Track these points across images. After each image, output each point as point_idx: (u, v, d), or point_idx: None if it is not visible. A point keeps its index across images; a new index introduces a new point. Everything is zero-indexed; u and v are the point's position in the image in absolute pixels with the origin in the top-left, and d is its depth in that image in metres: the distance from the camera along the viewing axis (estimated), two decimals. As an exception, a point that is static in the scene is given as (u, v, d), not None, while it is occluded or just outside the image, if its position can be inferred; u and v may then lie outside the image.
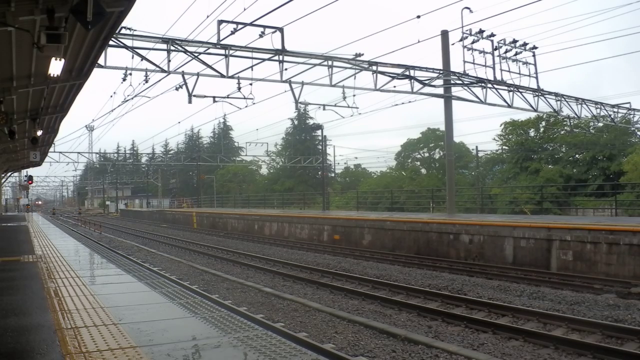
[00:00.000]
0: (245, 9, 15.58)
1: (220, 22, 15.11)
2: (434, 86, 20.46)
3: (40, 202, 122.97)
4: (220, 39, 15.30)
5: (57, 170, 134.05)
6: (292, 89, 18.36)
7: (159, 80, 16.73)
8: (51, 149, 30.18)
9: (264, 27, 15.70)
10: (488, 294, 10.42)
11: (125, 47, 14.61)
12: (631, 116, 29.81)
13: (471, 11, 19.98)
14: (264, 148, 45.52)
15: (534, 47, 22.21)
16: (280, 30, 16.10)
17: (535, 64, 22.47)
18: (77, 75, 10.09)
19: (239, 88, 17.47)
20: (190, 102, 16.84)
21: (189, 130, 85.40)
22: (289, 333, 7.33)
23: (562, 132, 37.17)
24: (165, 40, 15.18)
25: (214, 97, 18.58)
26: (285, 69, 17.18)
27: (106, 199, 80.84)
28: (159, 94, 37.04)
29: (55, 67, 7.67)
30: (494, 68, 20.93)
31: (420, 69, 19.80)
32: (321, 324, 8.34)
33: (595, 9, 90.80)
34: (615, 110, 27.40)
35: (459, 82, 20.97)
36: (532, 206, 28.14)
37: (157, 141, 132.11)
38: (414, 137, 48.50)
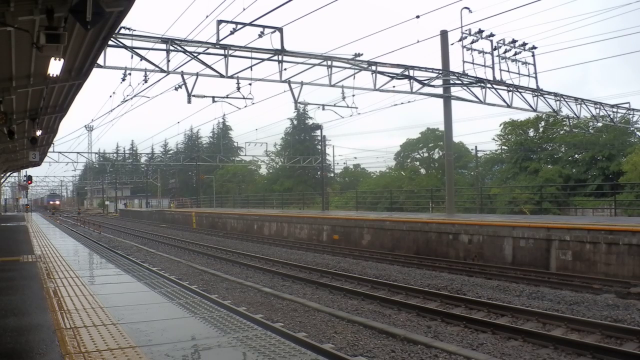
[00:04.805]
0: (244, 9, 15.58)
1: (220, 22, 15.10)
2: (433, 86, 20.46)
3: (57, 202, 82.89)
4: (220, 39, 15.29)
5: (56, 170, 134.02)
6: (291, 89, 18.35)
7: (158, 80, 16.74)
8: (50, 149, 30.11)
9: (263, 27, 15.69)
10: (487, 294, 10.43)
11: (125, 47, 14.60)
12: (630, 116, 29.83)
13: (470, 11, 20.00)
14: (264, 148, 45.53)
15: (533, 47, 22.22)
16: (280, 30, 16.10)
17: (534, 64, 22.49)
18: (76, 75, 10.08)
19: (239, 88, 17.46)
20: (189, 102, 16.84)
21: (188, 130, 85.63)
22: (288, 333, 7.32)
23: (562, 132, 37.19)
24: (165, 40, 15.16)
25: (213, 97, 18.57)
26: (285, 69, 17.19)
27: (105, 199, 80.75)
28: (158, 94, 37.00)
29: (55, 67, 7.66)
30: (493, 68, 20.93)
31: (420, 69, 19.80)
32: (320, 324, 8.34)
33: (591, 10, 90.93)
34: (615, 110, 27.40)
35: (458, 82, 20.97)
36: (532, 206, 28.15)
37: (156, 141, 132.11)
38: (413, 137, 48.57)
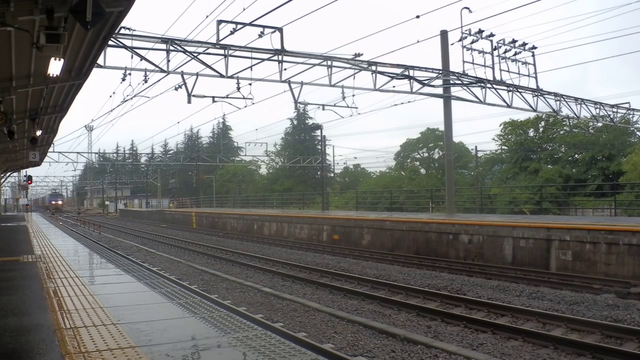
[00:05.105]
0: (244, 9, 15.58)
1: (220, 22, 15.10)
2: (433, 86, 20.46)
3: (60, 202, 77.37)
4: (220, 39, 15.29)
5: (56, 170, 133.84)
6: (291, 89, 18.35)
7: (158, 80, 16.74)
8: (50, 149, 30.11)
9: (263, 27, 15.69)
10: (487, 294, 10.43)
11: (125, 47, 14.60)
12: (630, 116, 29.83)
13: (470, 11, 20.00)
14: (264, 148, 45.59)
15: (533, 47, 22.21)
16: (280, 30, 16.10)
17: (534, 64, 22.49)
18: (76, 75, 10.08)
19: (238, 88, 17.46)
20: (189, 102, 16.84)
21: (188, 130, 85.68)
22: (288, 333, 7.32)
23: (562, 132, 37.18)
24: (165, 40, 15.16)
25: (213, 97, 18.56)
26: (285, 69, 17.18)
27: (105, 199, 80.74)
28: (158, 94, 37.00)
29: (55, 67, 7.66)
30: (493, 68, 20.93)
31: (420, 69, 19.80)
32: (320, 324, 8.34)
33: (591, 10, 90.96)
34: (615, 110, 27.40)
35: (458, 82, 20.97)
36: (532, 206, 28.15)
37: (156, 141, 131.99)
38: (413, 137, 48.55)
